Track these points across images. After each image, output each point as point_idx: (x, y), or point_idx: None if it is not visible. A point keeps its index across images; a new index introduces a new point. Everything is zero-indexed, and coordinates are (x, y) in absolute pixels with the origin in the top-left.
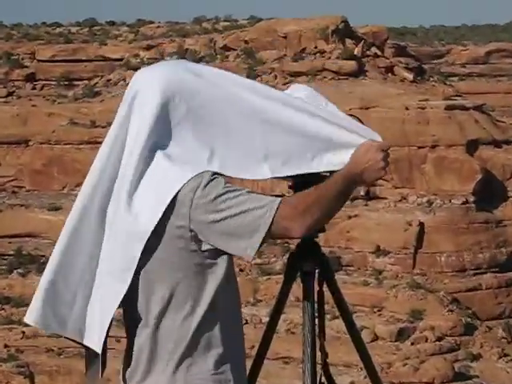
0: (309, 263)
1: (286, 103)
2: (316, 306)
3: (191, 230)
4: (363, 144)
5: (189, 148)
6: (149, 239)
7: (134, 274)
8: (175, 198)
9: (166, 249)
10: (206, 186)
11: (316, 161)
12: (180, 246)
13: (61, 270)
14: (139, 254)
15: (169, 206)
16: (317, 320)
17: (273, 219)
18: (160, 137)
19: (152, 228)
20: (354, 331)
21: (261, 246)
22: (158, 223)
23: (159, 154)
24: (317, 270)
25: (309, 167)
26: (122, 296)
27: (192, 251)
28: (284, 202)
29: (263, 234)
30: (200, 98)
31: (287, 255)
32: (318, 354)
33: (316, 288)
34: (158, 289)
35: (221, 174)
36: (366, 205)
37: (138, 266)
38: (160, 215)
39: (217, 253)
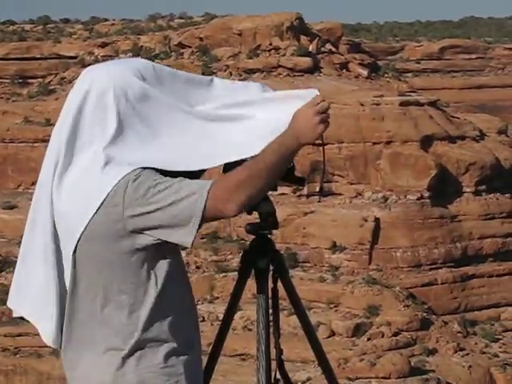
0: (262, 260)
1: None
2: (270, 302)
3: (126, 227)
4: (296, 111)
5: (123, 148)
6: (84, 238)
7: (73, 267)
8: (108, 197)
9: (103, 247)
10: (134, 180)
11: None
12: (117, 245)
13: (21, 260)
14: (71, 253)
15: (102, 206)
16: (271, 317)
17: (205, 204)
18: (94, 137)
19: (82, 229)
20: (308, 328)
21: (198, 230)
22: (91, 224)
23: (93, 154)
24: (271, 267)
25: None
26: (52, 279)
27: (130, 249)
28: (215, 184)
29: (198, 220)
30: (140, 102)
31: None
32: (273, 350)
33: (270, 285)
34: (99, 287)
35: (154, 169)
36: (319, 201)
37: (74, 262)
38: (90, 216)
39: (156, 248)
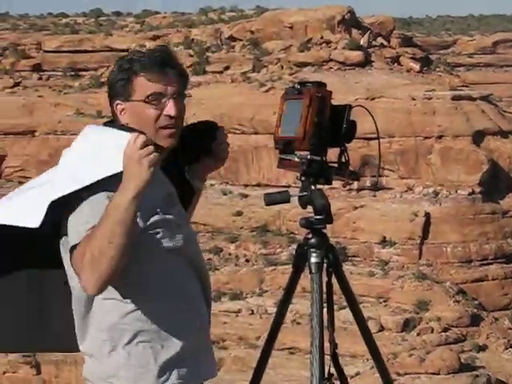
0: (317, 254)
1: None
2: (325, 297)
3: None
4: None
5: None
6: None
7: None
8: None
9: None
10: None
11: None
12: None
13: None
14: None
15: None
16: (325, 311)
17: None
18: None
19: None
20: (361, 322)
21: None
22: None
23: None
24: (325, 262)
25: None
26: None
27: None
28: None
29: None
30: None
31: (294, 246)
32: (326, 345)
33: (324, 279)
34: None
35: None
36: (375, 196)
37: None
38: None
39: None
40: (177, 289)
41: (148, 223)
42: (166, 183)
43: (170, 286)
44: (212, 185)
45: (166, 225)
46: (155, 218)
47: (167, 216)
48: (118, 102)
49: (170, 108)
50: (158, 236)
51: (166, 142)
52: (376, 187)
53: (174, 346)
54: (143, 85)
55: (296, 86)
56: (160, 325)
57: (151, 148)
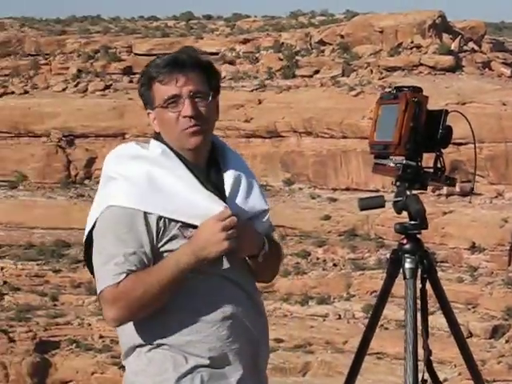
0: (411, 260)
1: None
2: (419, 303)
3: None
4: (201, 224)
5: None
6: None
7: None
8: None
9: None
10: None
11: None
12: None
13: None
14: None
15: None
16: (419, 317)
17: (99, 294)
18: None
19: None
20: (455, 329)
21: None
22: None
23: None
24: (419, 268)
25: None
26: None
27: None
28: (111, 289)
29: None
30: None
31: (382, 250)
32: (419, 351)
33: (418, 286)
34: None
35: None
36: (470, 202)
37: None
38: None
39: None
40: (209, 304)
41: None
42: None
43: (201, 300)
44: (300, 189)
45: None
46: None
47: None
48: (148, 111)
49: (186, 108)
50: None
51: (191, 143)
52: (472, 192)
53: (198, 357)
54: (159, 89)
55: (392, 90)
56: (185, 336)
57: (234, 234)
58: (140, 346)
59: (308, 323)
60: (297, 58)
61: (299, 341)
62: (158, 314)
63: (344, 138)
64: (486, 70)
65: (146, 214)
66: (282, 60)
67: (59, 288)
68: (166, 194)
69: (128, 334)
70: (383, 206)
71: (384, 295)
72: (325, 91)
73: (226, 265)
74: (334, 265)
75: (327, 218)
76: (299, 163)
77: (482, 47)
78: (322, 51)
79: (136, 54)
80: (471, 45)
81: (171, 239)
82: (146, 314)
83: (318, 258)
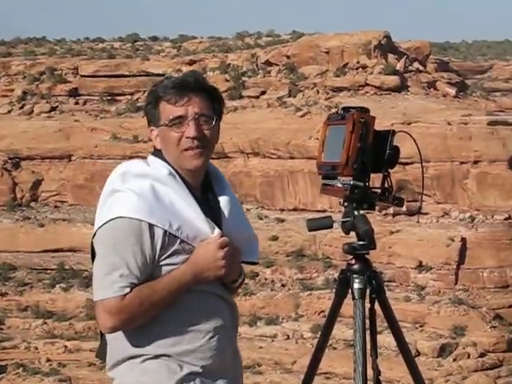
0: (360, 280)
1: None
2: (368, 323)
3: None
4: (201, 244)
5: None
6: None
7: None
8: None
9: None
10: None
11: None
12: None
13: None
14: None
15: None
16: (368, 337)
17: (99, 300)
18: None
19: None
20: (404, 349)
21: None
22: None
23: None
24: (368, 288)
25: None
26: None
27: None
28: (116, 301)
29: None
30: None
31: (330, 270)
32: (369, 371)
33: (367, 306)
34: None
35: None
36: (418, 221)
37: None
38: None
39: None
40: (197, 315)
41: None
42: None
43: (190, 312)
44: (248, 209)
45: None
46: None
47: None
48: (151, 127)
49: (189, 130)
50: None
51: (191, 165)
52: (419, 212)
53: (192, 365)
54: (166, 109)
55: (339, 111)
56: (182, 346)
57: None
58: (133, 357)
59: (256, 344)
60: (243, 78)
61: (248, 361)
62: (154, 325)
63: (291, 158)
64: (431, 89)
65: (152, 226)
66: (228, 81)
67: (5, 311)
68: (171, 211)
69: (121, 345)
70: (331, 227)
71: (333, 315)
72: (271, 112)
73: (217, 283)
74: (283, 285)
75: (275, 238)
76: (246, 184)
77: (427, 67)
78: (269, 72)
79: (82, 76)
80: (416, 65)
81: (173, 253)
82: (140, 324)
83: (266, 279)
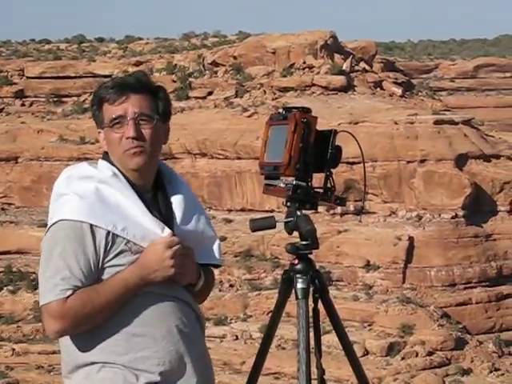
0: (303, 280)
1: None
2: (311, 322)
3: None
4: (149, 245)
5: None
6: None
7: None
8: None
9: None
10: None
11: None
12: None
13: None
14: None
15: None
16: (312, 337)
17: (43, 305)
18: None
19: None
20: (347, 348)
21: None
22: None
23: None
24: (311, 287)
25: None
26: None
27: None
28: (58, 304)
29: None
30: None
31: (278, 270)
32: (313, 370)
33: (310, 305)
34: None
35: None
36: (360, 221)
37: None
38: None
39: None
40: (150, 321)
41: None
42: None
43: (141, 319)
44: None
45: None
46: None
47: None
48: (98, 130)
49: (128, 130)
50: None
51: (132, 163)
52: (362, 212)
53: (149, 373)
54: (108, 110)
55: (281, 111)
56: (134, 353)
57: (180, 261)
58: (86, 365)
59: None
60: (190, 79)
61: None
62: (103, 332)
63: (238, 158)
64: (378, 89)
65: (94, 227)
66: (175, 82)
67: None
68: (116, 211)
69: (73, 353)
70: (274, 227)
71: (276, 315)
72: (218, 112)
73: (176, 286)
74: (231, 285)
75: (223, 239)
76: (194, 184)
77: (373, 67)
78: (215, 72)
79: (28, 78)
80: (362, 65)
81: (118, 254)
82: (88, 328)
83: (215, 279)
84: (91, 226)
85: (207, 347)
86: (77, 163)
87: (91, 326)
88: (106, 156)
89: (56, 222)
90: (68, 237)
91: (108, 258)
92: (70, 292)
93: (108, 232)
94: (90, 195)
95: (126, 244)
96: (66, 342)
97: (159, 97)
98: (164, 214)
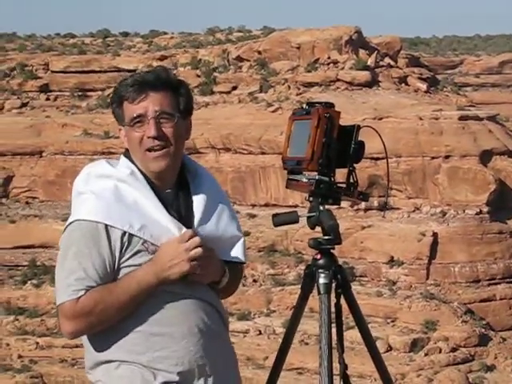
0: (325, 275)
1: None
2: (333, 318)
3: None
4: (163, 243)
5: None
6: None
7: None
8: None
9: None
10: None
11: None
12: None
13: None
14: None
15: None
16: (334, 332)
17: (59, 306)
18: None
19: None
20: (370, 343)
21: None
22: None
23: None
24: (333, 283)
25: None
26: None
27: None
28: (70, 304)
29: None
30: None
31: (301, 266)
32: (336, 365)
33: (332, 301)
34: None
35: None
36: (384, 216)
37: None
38: None
39: None
40: (168, 320)
41: None
42: None
43: (159, 318)
44: None
45: None
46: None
47: None
48: (119, 127)
49: (149, 129)
50: None
51: (154, 167)
52: (386, 207)
53: (167, 373)
54: (128, 108)
55: (304, 106)
56: (153, 352)
57: (197, 254)
58: (106, 362)
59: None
60: (215, 74)
61: None
62: (125, 331)
63: (262, 153)
64: (403, 85)
65: (109, 228)
66: (199, 76)
67: None
68: (133, 211)
69: (92, 350)
70: (297, 222)
71: (299, 310)
72: (243, 107)
73: (198, 286)
74: (254, 281)
75: (246, 234)
76: (218, 179)
77: (398, 62)
78: (240, 67)
79: (53, 72)
80: (387, 60)
81: (135, 254)
82: (103, 328)
83: None
84: (106, 226)
85: (232, 346)
86: (100, 158)
87: (106, 325)
88: (127, 153)
89: (73, 222)
90: (83, 237)
91: (124, 259)
92: (82, 293)
93: (124, 232)
94: (107, 195)
95: (142, 244)
96: (86, 340)
97: (180, 93)
98: (184, 215)
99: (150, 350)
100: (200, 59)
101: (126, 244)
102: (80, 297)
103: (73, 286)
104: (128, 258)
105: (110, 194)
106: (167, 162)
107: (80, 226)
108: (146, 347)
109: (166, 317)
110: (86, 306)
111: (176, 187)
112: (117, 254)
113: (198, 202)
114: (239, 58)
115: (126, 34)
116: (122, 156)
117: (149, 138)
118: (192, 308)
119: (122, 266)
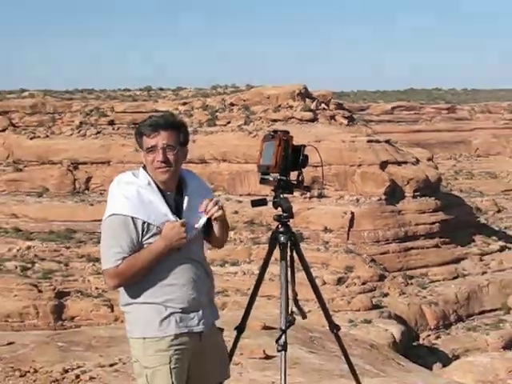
0: (284, 237)
1: None
2: (289, 264)
3: None
4: (167, 224)
5: None
6: None
7: None
8: None
9: None
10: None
11: None
12: None
13: None
14: None
15: None
16: (289, 273)
17: (104, 269)
18: None
19: None
20: (312, 279)
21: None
22: None
23: None
24: (289, 242)
25: None
26: None
27: None
28: (113, 269)
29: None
30: None
31: (270, 232)
32: (290, 293)
33: (288, 253)
34: None
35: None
36: (320, 201)
37: None
38: None
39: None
40: (175, 274)
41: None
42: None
43: (170, 273)
44: (219, 195)
45: None
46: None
47: None
48: (140, 150)
49: (158, 155)
50: None
51: (159, 179)
52: (322, 196)
53: (173, 307)
54: (145, 141)
55: (271, 133)
56: (165, 296)
57: (185, 235)
58: (134, 303)
59: (225, 278)
60: (217, 113)
61: (219, 289)
62: (147, 283)
63: (246, 163)
64: (332, 120)
65: (135, 219)
66: (207, 115)
67: (69, 258)
68: (149, 208)
69: (126, 295)
70: (267, 204)
71: (267, 259)
72: (234, 134)
73: (191, 251)
74: (241, 241)
75: (236, 212)
76: (218, 179)
77: (330, 107)
78: (232, 109)
79: (116, 112)
80: (323, 105)
81: (152, 236)
82: (135, 281)
83: (230, 237)
84: (132, 218)
85: (214, 290)
86: (123, 173)
87: (136, 280)
88: (144, 167)
89: (111, 215)
90: (119, 225)
91: (145, 238)
92: (120, 261)
93: (144, 222)
94: (133, 196)
95: (156, 228)
96: (121, 288)
97: (181, 130)
98: (178, 209)
99: (163, 295)
100: (207, 104)
101: (146, 229)
102: (119, 265)
103: (114, 256)
104: (147, 238)
105: (135, 196)
106: (168, 176)
107: (115, 218)
108: (160, 292)
109: (173, 273)
110: (123, 270)
111: (177, 189)
112: (140, 236)
113: (185, 202)
114: (231, 104)
115: (161, 89)
116: (141, 169)
117: (158, 161)
118: (188, 266)
119: (143, 243)
